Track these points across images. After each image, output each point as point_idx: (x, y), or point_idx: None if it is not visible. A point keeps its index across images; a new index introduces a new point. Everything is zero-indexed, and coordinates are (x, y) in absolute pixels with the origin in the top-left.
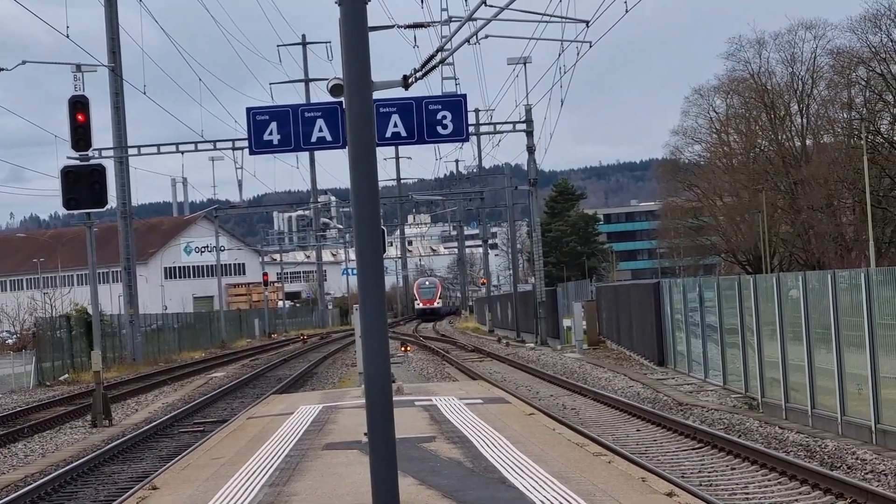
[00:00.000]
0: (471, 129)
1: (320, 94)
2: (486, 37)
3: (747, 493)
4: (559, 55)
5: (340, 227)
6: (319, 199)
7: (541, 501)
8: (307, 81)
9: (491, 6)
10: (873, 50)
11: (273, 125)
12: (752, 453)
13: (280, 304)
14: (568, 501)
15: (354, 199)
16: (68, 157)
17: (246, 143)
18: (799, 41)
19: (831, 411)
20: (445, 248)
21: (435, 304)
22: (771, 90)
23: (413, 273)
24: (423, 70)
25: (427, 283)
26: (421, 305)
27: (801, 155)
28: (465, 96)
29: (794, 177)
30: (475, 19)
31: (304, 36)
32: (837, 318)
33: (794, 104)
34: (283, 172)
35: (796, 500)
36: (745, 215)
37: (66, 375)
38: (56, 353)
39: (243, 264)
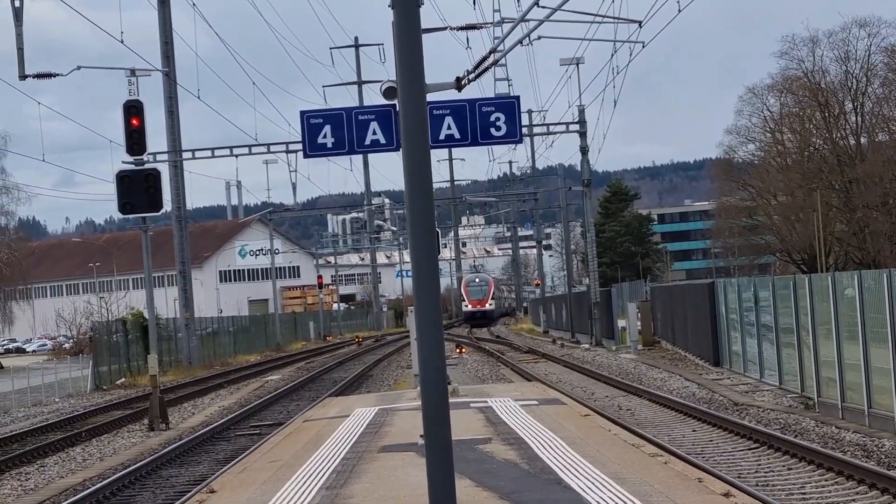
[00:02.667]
0: (524, 130)
1: (373, 97)
2: (539, 38)
3: (804, 494)
4: (612, 55)
5: (394, 229)
6: (373, 202)
7: (597, 502)
8: (360, 84)
9: (543, 7)
10: None
11: (327, 128)
12: (808, 453)
13: (335, 306)
14: (624, 502)
15: (408, 201)
16: (123, 162)
17: (300, 146)
18: (853, 39)
19: (888, 410)
20: (499, 249)
21: (486, 305)
22: (825, 88)
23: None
24: (476, 72)
25: (477, 279)
26: (469, 307)
27: (855, 153)
28: (518, 98)
29: (849, 175)
30: (528, 20)
31: (356, 38)
32: (893, 317)
33: (849, 102)
34: (337, 175)
35: (853, 500)
36: (799, 214)
37: (123, 379)
38: (112, 357)
39: (298, 267)
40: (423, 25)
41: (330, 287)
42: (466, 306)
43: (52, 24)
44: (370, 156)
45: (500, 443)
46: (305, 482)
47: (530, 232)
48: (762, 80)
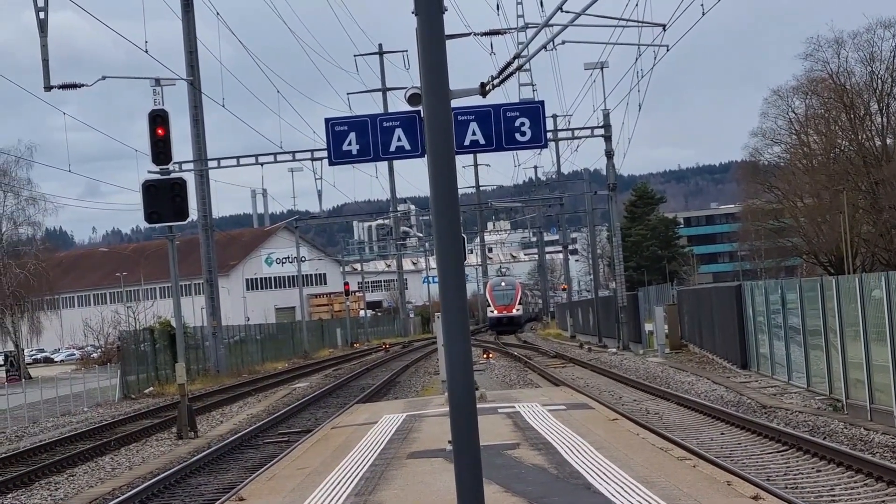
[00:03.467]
0: (549, 135)
1: (398, 103)
2: (563, 42)
3: (833, 496)
4: (636, 59)
5: (420, 235)
6: (399, 208)
7: None
8: (384, 91)
9: (567, 12)
10: None
11: (352, 135)
12: (837, 455)
13: (361, 313)
14: None
15: (434, 207)
16: (149, 172)
17: (325, 154)
18: (878, 40)
19: None
20: (525, 254)
21: (513, 311)
22: (850, 90)
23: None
24: (501, 77)
25: (503, 283)
26: (495, 313)
27: (881, 154)
28: (542, 103)
29: (876, 176)
30: (551, 25)
31: (380, 45)
32: None
33: (874, 103)
34: (363, 182)
35: (883, 502)
36: (826, 216)
37: (151, 388)
38: (140, 366)
39: (324, 274)
40: (447, 31)
41: (356, 294)
42: (492, 312)
43: (74, 34)
44: (395, 162)
45: (529, 448)
46: (334, 489)
47: (556, 237)
48: (787, 82)
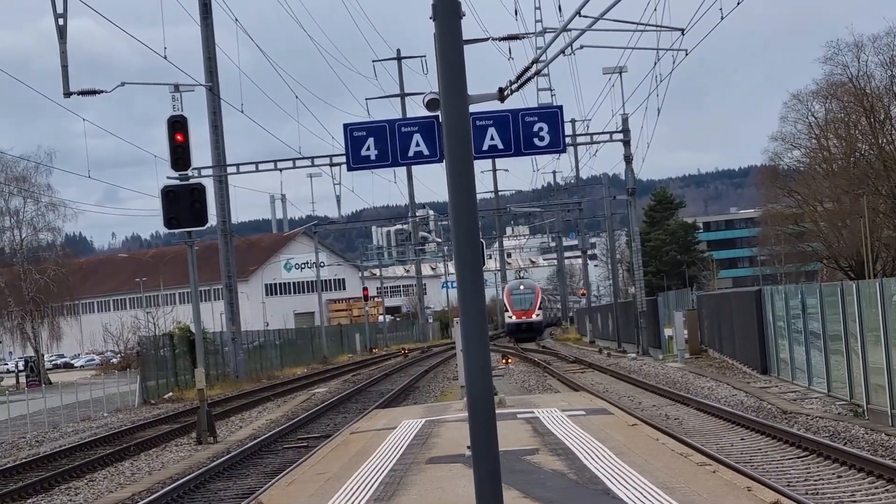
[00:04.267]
0: (567, 139)
1: (416, 108)
2: (581, 47)
3: (854, 501)
4: (655, 64)
5: (439, 240)
6: (418, 213)
7: None
8: (403, 96)
9: (585, 16)
10: None
11: (370, 141)
12: (858, 461)
13: (380, 318)
14: None
15: (452, 212)
16: (168, 177)
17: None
18: None
19: None
20: (544, 259)
21: (533, 316)
22: (870, 94)
23: None
24: (519, 82)
25: (521, 287)
26: (514, 319)
27: None
28: (560, 107)
29: None
30: (570, 30)
31: (398, 51)
32: None
33: (894, 107)
34: (381, 187)
35: None
36: (846, 221)
37: (171, 393)
38: (160, 371)
39: (343, 279)
40: (465, 37)
41: (375, 299)
42: (510, 317)
43: (91, 40)
44: (414, 167)
45: (548, 453)
46: (353, 494)
47: (575, 242)
48: (807, 86)
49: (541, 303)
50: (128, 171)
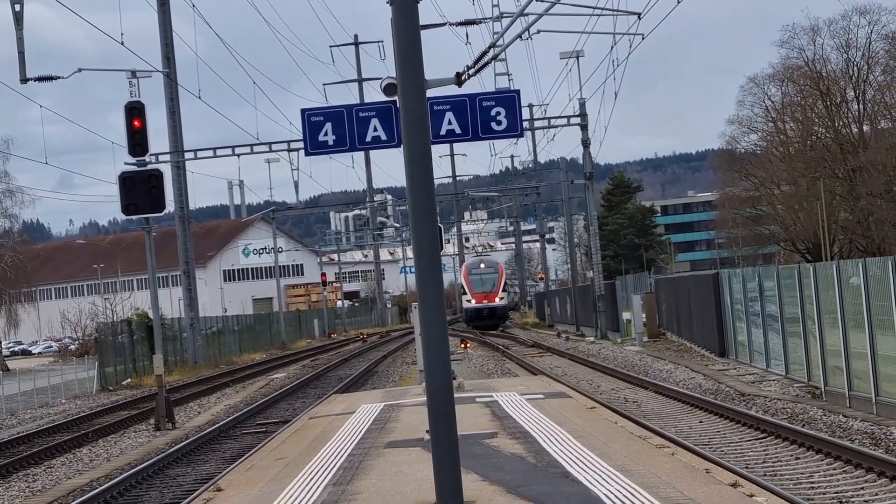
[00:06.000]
0: (525, 124)
1: (374, 94)
2: (538, 32)
3: (812, 483)
4: (611, 48)
5: (397, 225)
6: (376, 199)
7: (605, 495)
8: (360, 81)
9: (542, 1)
10: None
11: (328, 126)
12: (816, 442)
13: (339, 303)
14: (632, 494)
15: (411, 197)
16: (125, 163)
17: (301, 145)
18: (853, 27)
19: None
20: (503, 243)
21: (496, 299)
22: (826, 77)
23: None
24: (476, 67)
25: (483, 265)
26: (473, 303)
27: (858, 141)
28: (518, 92)
29: (852, 163)
30: (527, 14)
31: (356, 36)
32: None
33: (850, 90)
34: (339, 172)
35: (862, 489)
36: (803, 203)
37: (129, 380)
38: (118, 357)
39: (301, 265)
40: (422, 21)
41: (334, 284)
42: (469, 301)
43: (44, 27)
44: (372, 153)
45: (507, 437)
46: (312, 479)
47: (533, 226)
48: (763, 70)
49: (504, 284)
50: (83, 157)
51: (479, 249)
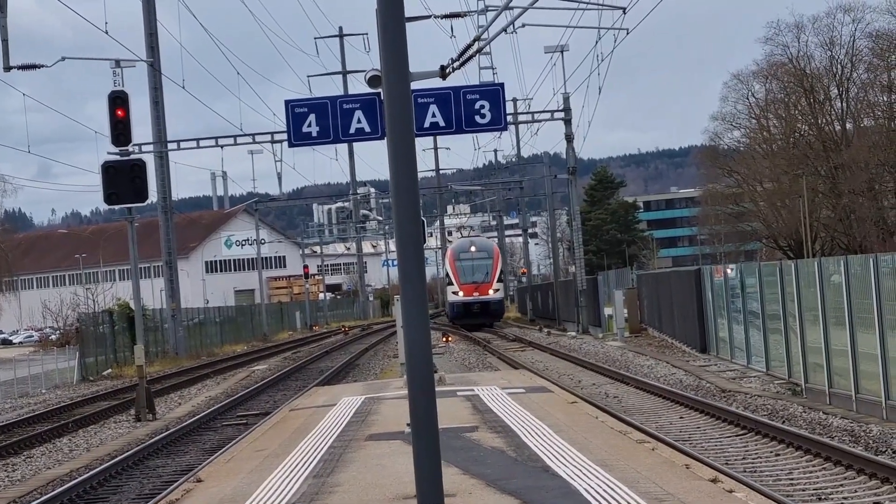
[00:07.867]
0: (509, 118)
1: (358, 86)
2: (523, 25)
3: (792, 479)
4: (596, 43)
5: (380, 218)
6: (359, 191)
7: (585, 489)
8: (345, 73)
9: None
10: None
11: (312, 117)
12: (796, 439)
13: (321, 296)
14: (612, 489)
15: (394, 190)
16: (108, 153)
17: (285, 136)
18: (837, 24)
19: (876, 396)
20: (486, 237)
21: (490, 291)
22: (810, 74)
23: None
24: (461, 60)
25: (473, 248)
26: (461, 296)
27: (841, 139)
28: (502, 85)
29: (835, 161)
30: (512, 8)
31: (341, 28)
32: (880, 303)
33: (834, 88)
34: (322, 164)
35: (841, 486)
36: (785, 200)
37: (110, 370)
38: (99, 348)
39: (284, 257)
40: (407, 14)
41: (316, 277)
42: (455, 294)
43: (24, 15)
44: (355, 145)
45: (487, 431)
46: (292, 471)
47: (516, 220)
48: (747, 67)
49: (500, 273)
50: (63, 146)
51: (463, 227)
